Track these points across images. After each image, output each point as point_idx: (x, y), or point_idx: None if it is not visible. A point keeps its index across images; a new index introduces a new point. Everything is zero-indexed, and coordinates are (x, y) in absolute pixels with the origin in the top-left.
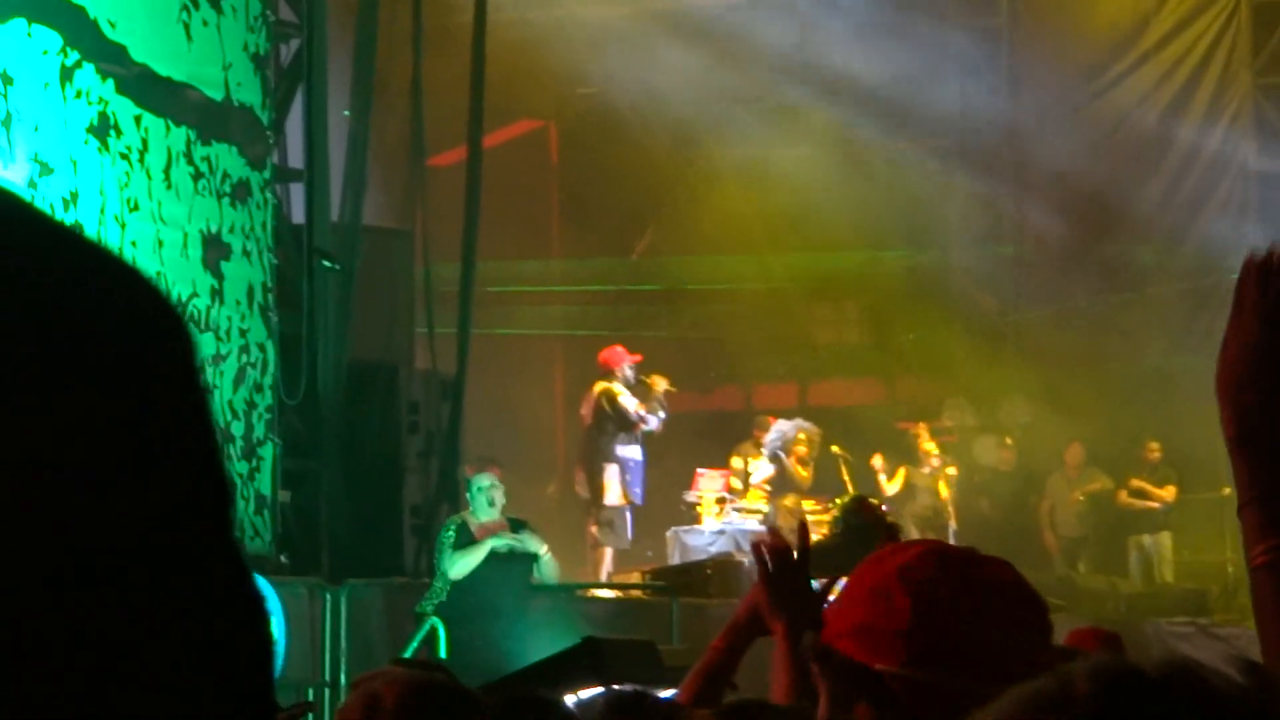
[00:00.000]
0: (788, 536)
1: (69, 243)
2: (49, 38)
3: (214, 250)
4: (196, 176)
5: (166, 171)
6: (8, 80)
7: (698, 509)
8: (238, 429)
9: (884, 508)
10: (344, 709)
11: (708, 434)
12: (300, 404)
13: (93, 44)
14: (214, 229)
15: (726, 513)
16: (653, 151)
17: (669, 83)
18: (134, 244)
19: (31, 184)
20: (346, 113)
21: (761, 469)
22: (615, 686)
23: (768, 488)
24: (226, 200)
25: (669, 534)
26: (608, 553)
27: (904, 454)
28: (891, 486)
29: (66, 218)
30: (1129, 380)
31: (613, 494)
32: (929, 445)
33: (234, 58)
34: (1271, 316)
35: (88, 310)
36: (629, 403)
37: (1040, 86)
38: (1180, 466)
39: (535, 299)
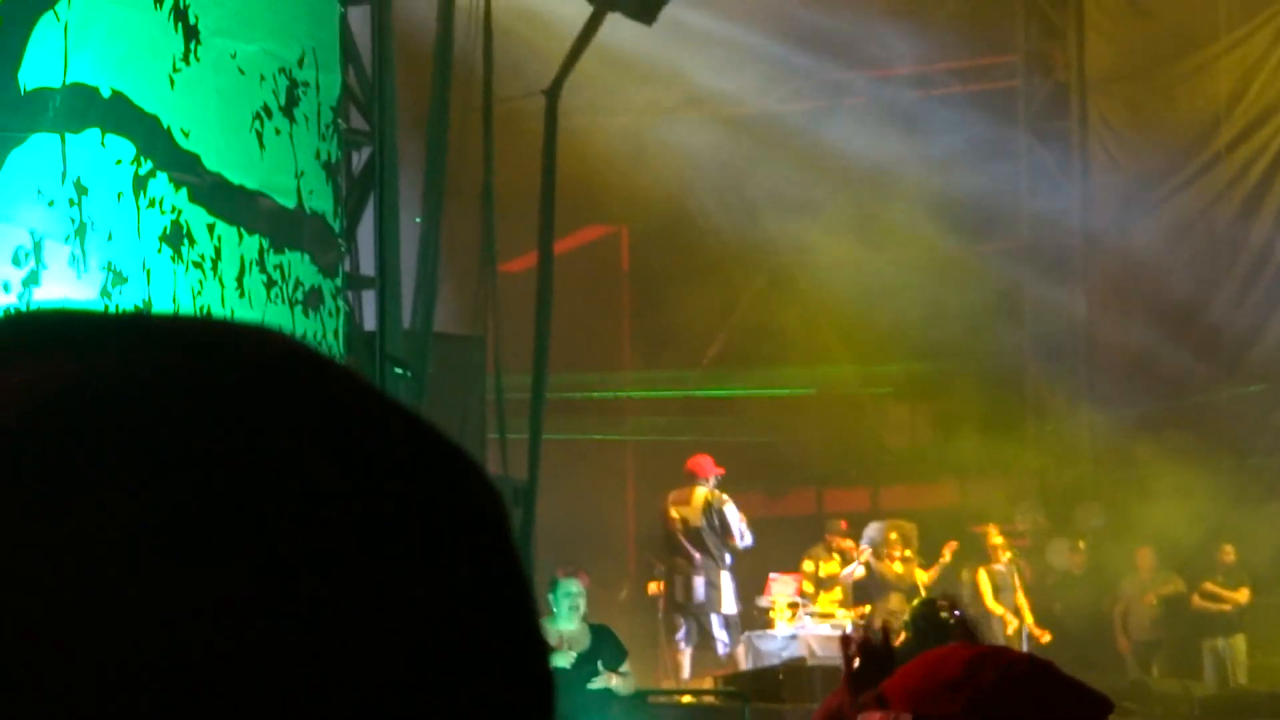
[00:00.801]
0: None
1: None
2: (123, 147)
3: None
4: (269, 285)
5: (239, 280)
6: (82, 190)
7: (770, 614)
8: None
9: (956, 610)
10: None
11: (779, 539)
12: None
13: (166, 153)
14: None
15: (799, 617)
16: (724, 257)
17: (741, 187)
18: None
19: (105, 293)
20: (418, 219)
21: (855, 569)
22: None
23: (839, 595)
24: (299, 308)
25: (742, 639)
26: (687, 656)
27: (977, 556)
28: (965, 586)
29: None
30: (1202, 483)
31: (728, 602)
32: (998, 540)
33: (306, 166)
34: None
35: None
36: (734, 515)
37: (1112, 189)
38: (1254, 569)
39: (606, 405)
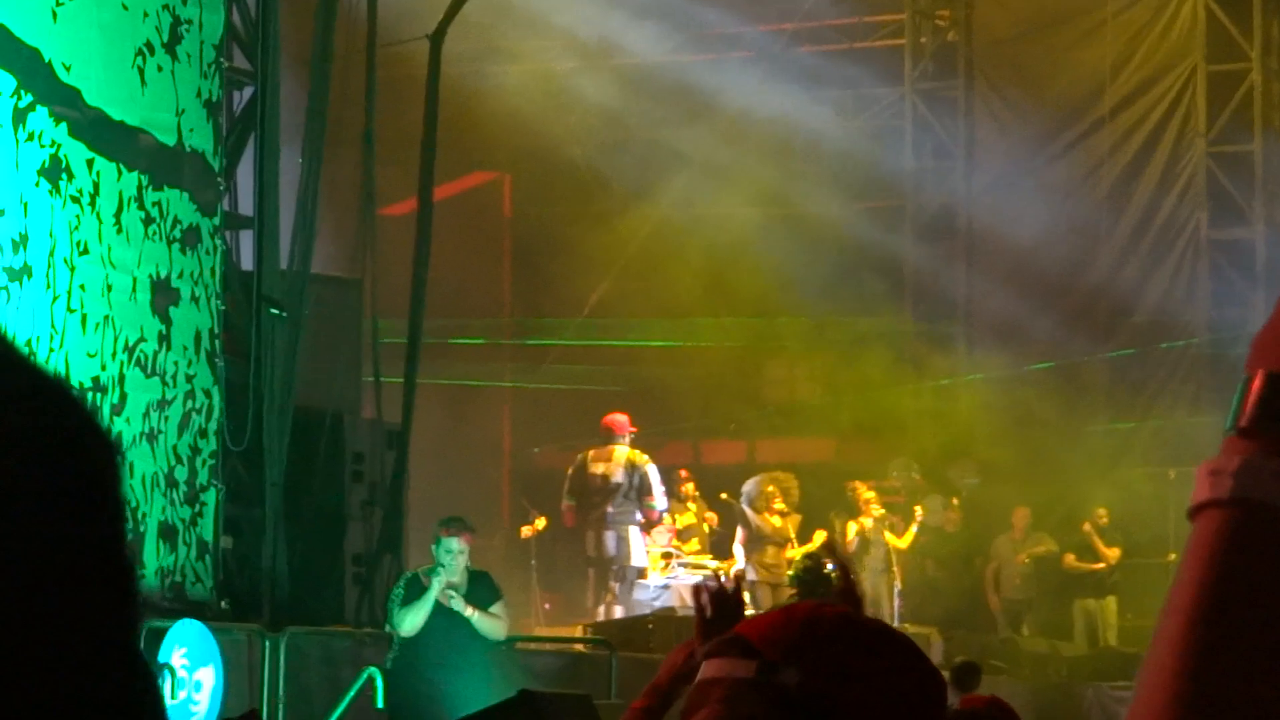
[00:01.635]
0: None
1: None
2: (2, 80)
3: (163, 295)
4: (147, 221)
5: (117, 216)
6: None
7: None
8: (181, 474)
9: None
10: None
11: None
12: (244, 450)
13: (47, 87)
14: (163, 274)
15: (672, 568)
16: (607, 208)
17: (626, 138)
18: (83, 287)
19: None
20: (299, 160)
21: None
22: None
23: (697, 545)
24: (176, 246)
25: (613, 588)
26: (618, 609)
27: (850, 510)
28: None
29: (15, 260)
30: (1078, 444)
31: (638, 556)
32: (868, 495)
33: (187, 104)
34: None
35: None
36: (655, 476)
37: (996, 151)
38: (1126, 531)
39: (484, 352)
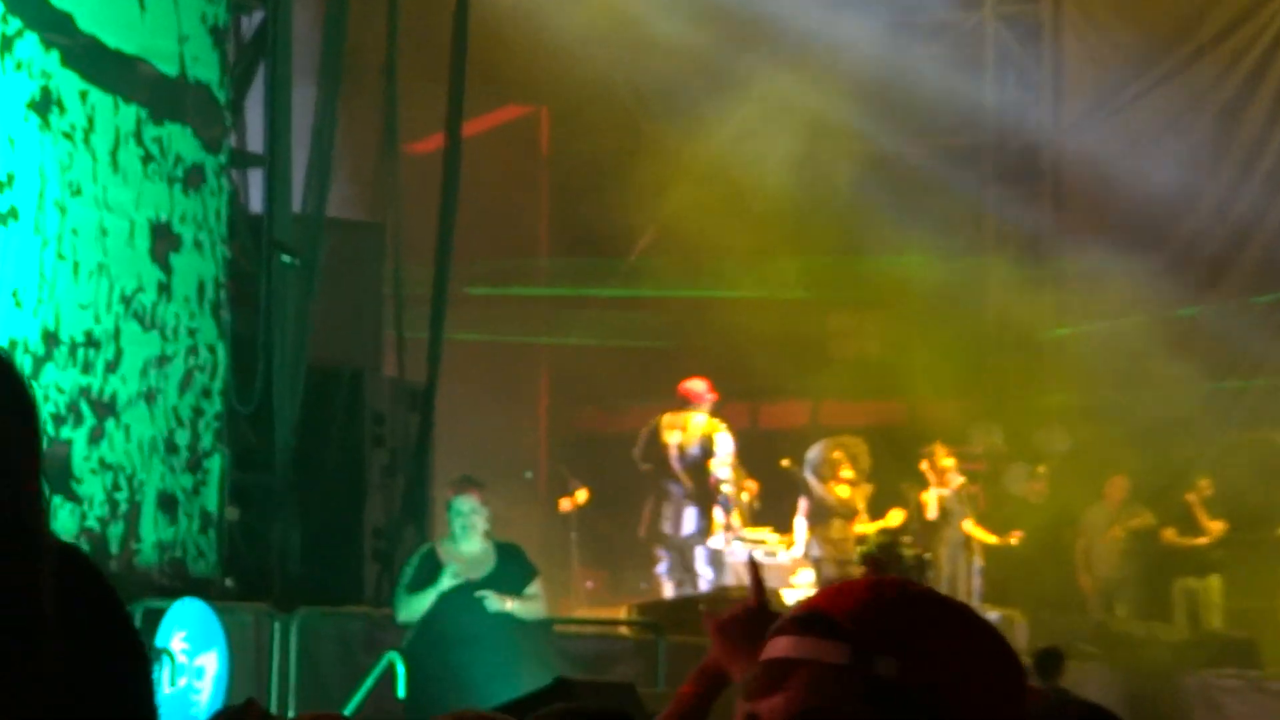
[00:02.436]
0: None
1: None
2: None
3: (163, 241)
4: (146, 159)
5: (113, 153)
6: None
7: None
8: (183, 438)
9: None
10: None
11: None
12: (253, 412)
13: (36, 11)
14: (164, 217)
15: (730, 544)
16: (655, 143)
17: (675, 67)
18: (75, 232)
19: None
20: (314, 92)
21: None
22: None
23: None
24: (178, 186)
25: (662, 562)
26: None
27: (926, 480)
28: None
29: (1, 203)
30: (1179, 405)
31: (716, 535)
32: (947, 462)
33: (191, 30)
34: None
35: None
36: (727, 449)
37: (1083, 83)
38: (1232, 503)
39: (519, 303)
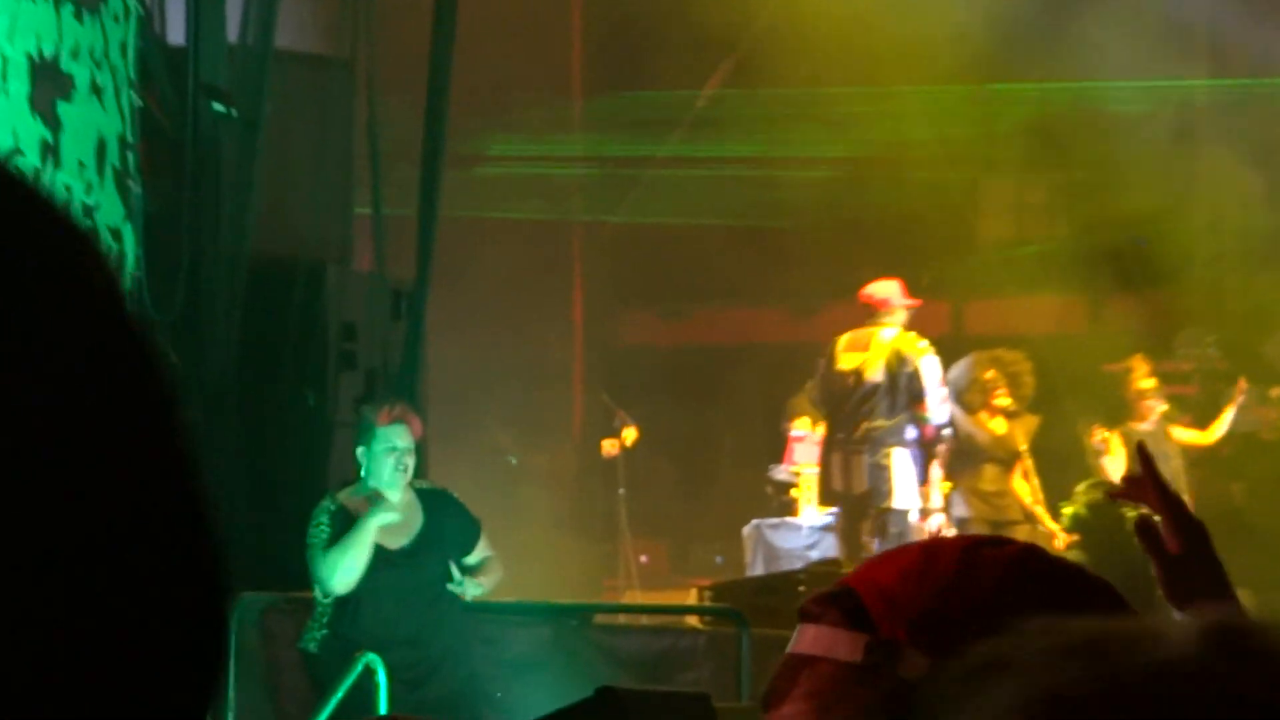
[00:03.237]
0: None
1: None
2: None
3: (47, 84)
4: None
5: None
6: None
7: (793, 493)
8: None
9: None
10: None
11: (805, 377)
12: (174, 323)
13: None
14: (48, 52)
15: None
16: None
17: None
18: None
19: None
20: None
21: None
22: None
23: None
24: (69, 9)
25: (746, 531)
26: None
27: (1115, 409)
28: (1113, 461)
29: None
30: None
31: (905, 494)
32: (1146, 384)
33: None
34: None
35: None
36: (933, 372)
37: None
38: None
39: (543, 165)
